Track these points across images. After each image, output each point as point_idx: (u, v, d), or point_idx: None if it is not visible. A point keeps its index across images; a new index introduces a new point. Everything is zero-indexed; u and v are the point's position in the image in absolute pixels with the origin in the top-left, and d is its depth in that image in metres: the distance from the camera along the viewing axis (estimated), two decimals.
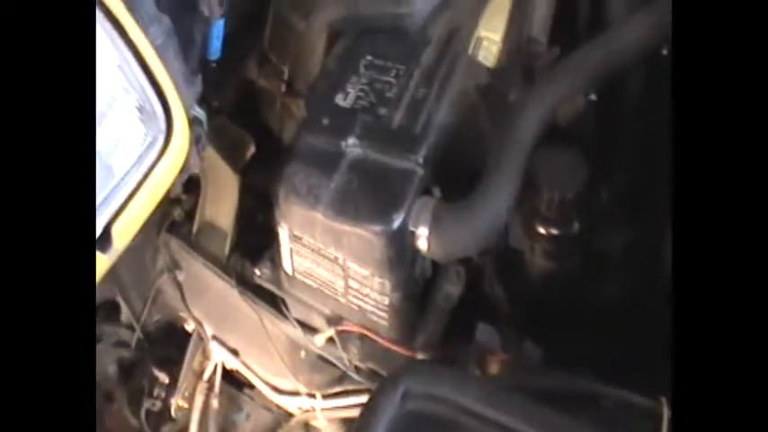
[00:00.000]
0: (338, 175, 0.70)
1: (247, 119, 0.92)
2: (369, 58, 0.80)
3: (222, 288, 0.85)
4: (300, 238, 0.72)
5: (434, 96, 0.76)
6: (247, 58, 0.93)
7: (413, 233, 0.68)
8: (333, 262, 0.71)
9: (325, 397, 0.82)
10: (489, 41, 0.87)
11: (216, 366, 0.92)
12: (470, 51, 0.84)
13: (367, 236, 0.67)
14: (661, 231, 0.78)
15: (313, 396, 0.83)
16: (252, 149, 0.88)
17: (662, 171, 0.84)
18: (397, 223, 0.67)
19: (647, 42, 0.79)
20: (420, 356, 0.72)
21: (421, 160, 0.70)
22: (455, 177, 0.74)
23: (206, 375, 0.93)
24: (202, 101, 0.84)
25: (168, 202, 0.90)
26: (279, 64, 0.90)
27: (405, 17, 0.82)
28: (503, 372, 0.67)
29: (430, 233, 0.67)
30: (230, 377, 0.94)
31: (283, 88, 0.89)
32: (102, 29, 0.61)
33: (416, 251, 0.69)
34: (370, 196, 0.68)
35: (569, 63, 0.78)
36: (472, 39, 0.86)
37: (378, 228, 0.67)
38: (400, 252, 0.68)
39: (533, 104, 0.75)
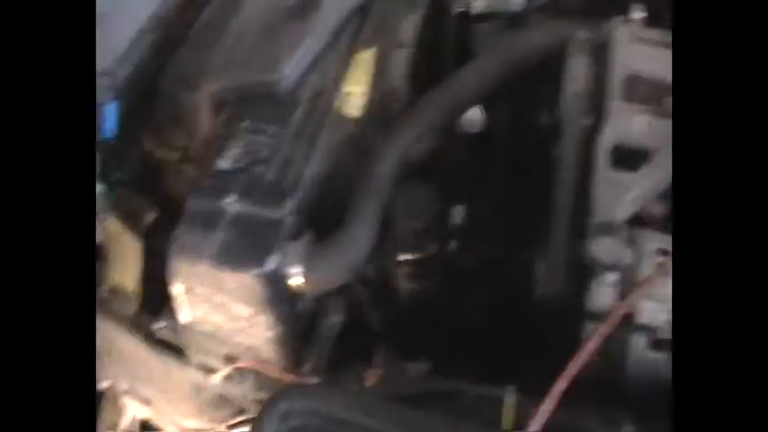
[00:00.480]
0: (219, 231, 0.79)
1: (148, 187, 1.00)
2: (247, 122, 0.90)
3: (132, 345, 0.92)
4: (192, 290, 0.80)
5: (304, 151, 0.86)
6: (144, 132, 1.02)
7: (287, 273, 0.77)
8: (221, 307, 0.80)
9: (228, 428, 0.89)
10: (355, 95, 0.98)
11: (132, 418, 0.99)
12: (338, 106, 0.96)
13: (246, 280, 0.76)
14: (521, 248, 0.89)
15: (217, 430, 0.90)
16: (153, 215, 0.96)
17: (522, 194, 0.96)
18: (270, 266, 0.76)
19: (481, 87, 0.93)
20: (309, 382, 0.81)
21: (291, 210, 0.80)
22: (328, 220, 0.84)
23: (122, 427, 0.99)
24: (103, 176, 0.93)
25: None
26: (173, 135, 0.99)
27: (275, 83, 0.92)
28: (378, 384, 0.76)
29: (301, 271, 0.77)
30: (148, 427, 1.00)
31: (178, 156, 0.98)
32: None
33: (292, 288, 0.78)
34: (246, 245, 0.78)
35: (416, 110, 0.90)
36: (339, 94, 0.97)
37: (254, 272, 0.76)
38: (277, 291, 0.77)
39: (387, 149, 0.87)
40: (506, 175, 1.00)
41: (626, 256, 0.72)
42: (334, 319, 0.83)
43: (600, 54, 0.89)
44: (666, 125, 0.79)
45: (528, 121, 1.01)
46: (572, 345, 0.70)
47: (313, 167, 0.86)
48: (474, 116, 1.02)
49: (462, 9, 1.11)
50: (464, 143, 1.02)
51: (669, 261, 0.72)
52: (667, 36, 0.86)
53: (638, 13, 0.91)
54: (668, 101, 0.81)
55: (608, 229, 0.73)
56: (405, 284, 0.84)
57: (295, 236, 0.79)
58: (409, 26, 1.04)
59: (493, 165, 1.02)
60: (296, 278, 0.77)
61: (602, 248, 0.71)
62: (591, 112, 0.85)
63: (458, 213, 0.89)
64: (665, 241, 0.75)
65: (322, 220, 0.83)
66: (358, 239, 0.79)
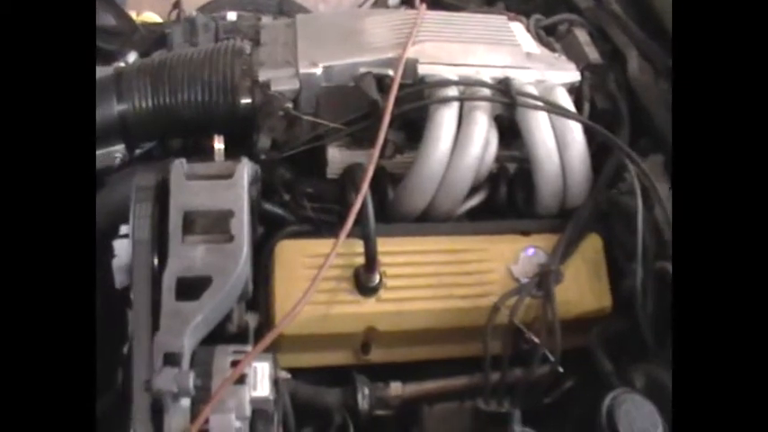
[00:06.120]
0: None
1: None
2: None
3: None
4: None
5: None
6: None
7: None
8: None
9: None
10: None
11: None
12: None
13: None
14: None
15: None
16: None
17: None
18: None
19: None
20: None
21: None
22: None
23: None
24: None
25: None
26: None
27: None
28: None
29: None
30: None
31: None
32: None
33: None
34: None
35: None
36: None
37: None
38: None
39: None
40: None
41: (190, 381, 0.78)
42: None
43: (162, 196, 0.97)
44: (223, 249, 0.90)
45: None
46: None
47: None
48: None
49: None
50: None
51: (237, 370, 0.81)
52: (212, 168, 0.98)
53: None
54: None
55: (173, 359, 0.80)
56: None
57: None
58: None
59: None
60: None
61: (165, 380, 0.77)
62: (157, 251, 0.92)
63: None
64: (239, 353, 0.85)
65: None
66: None
